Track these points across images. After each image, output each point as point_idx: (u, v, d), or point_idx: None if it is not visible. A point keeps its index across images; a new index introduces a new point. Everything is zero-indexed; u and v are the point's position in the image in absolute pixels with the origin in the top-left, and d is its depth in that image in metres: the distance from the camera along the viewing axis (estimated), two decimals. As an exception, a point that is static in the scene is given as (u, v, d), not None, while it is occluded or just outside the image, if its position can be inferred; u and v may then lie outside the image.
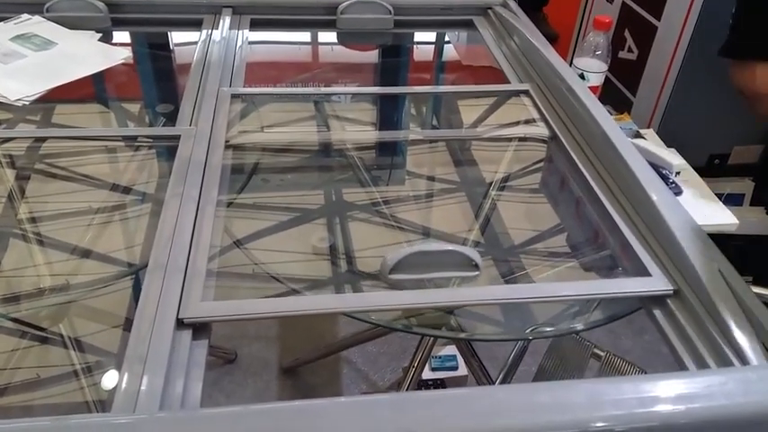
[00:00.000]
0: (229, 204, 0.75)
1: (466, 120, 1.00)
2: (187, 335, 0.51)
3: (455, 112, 1.08)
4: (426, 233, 0.82)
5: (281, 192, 0.86)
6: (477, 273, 0.63)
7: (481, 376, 1.32)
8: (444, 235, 0.81)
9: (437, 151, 0.95)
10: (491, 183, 0.88)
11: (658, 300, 0.58)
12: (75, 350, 0.63)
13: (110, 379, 0.60)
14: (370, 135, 0.98)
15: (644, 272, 0.60)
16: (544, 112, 0.88)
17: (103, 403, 0.59)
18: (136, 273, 0.68)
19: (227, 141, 0.78)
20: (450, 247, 0.64)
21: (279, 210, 0.82)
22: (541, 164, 0.89)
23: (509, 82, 0.98)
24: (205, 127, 0.78)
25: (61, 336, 0.64)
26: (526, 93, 0.92)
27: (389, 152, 0.96)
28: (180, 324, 0.51)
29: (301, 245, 0.77)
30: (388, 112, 1.06)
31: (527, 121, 0.90)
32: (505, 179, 0.88)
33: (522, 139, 0.90)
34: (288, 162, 0.89)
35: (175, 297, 0.53)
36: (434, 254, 0.63)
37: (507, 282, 0.71)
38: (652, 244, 0.63)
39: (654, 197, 0.65)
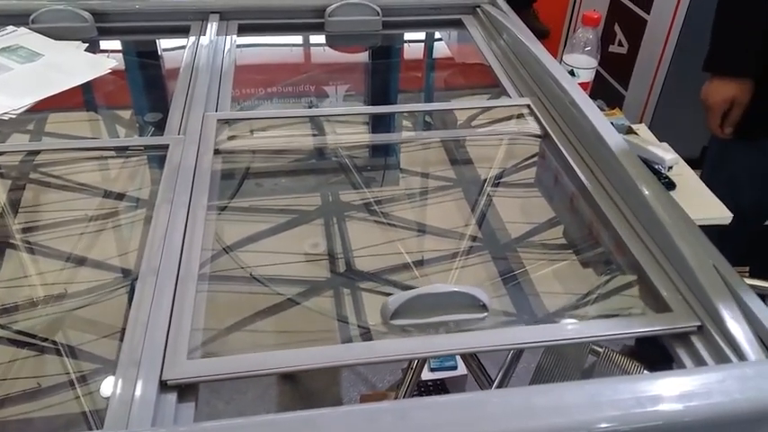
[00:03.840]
0: (220, 210, 0.74)
1: (459, 118, 0.99)
2: (172, 398, 0.47)
3: (447, 111, 1.08)
4: (422, 231, 0.81)
5: (272, 196, 0.85)
6: (485, 314, 0.57)
7: (480, 376, 1.32)
8: (441, 231, 0.81)
9: (430, 149, 0.95)
10: (485, 180, 0.88)
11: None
12: (76, 360, 0.63)
13: (107, 384, 0.59)
14: (363, 136, 0.97)
15: (642, 273, 0.59)
16: (541, 118, 0.87)
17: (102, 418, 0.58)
18: (133, 281, 0.67)
19: (216, 148, 0.77)
20: (455, 288, 0.59)
21: (270, 214, 0.82)
22: (533, 162, 0.89)
23: (500, 82, 0.97)
24: (193, 135, 0.78)
25: (61, 345, 0.63)
26: (527, 107, 0.90)
27: (383, 152, 0.96)
28: (163, 386, 0.47)
29: (294, 251, 0.77)
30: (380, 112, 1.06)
31: (519, 117, 0.90)
32: (499, 176, 0.88)
33: (514, 137, 0.90)
34: (279, 166, 0.89)
35: (159, 352, 0.49)
36: (439, 296, 0.58)
37: (507, 282, 0.71)
38: (645, 239, 0.63)
39: (646, 193, 0.64)
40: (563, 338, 0.53)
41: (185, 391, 0.48)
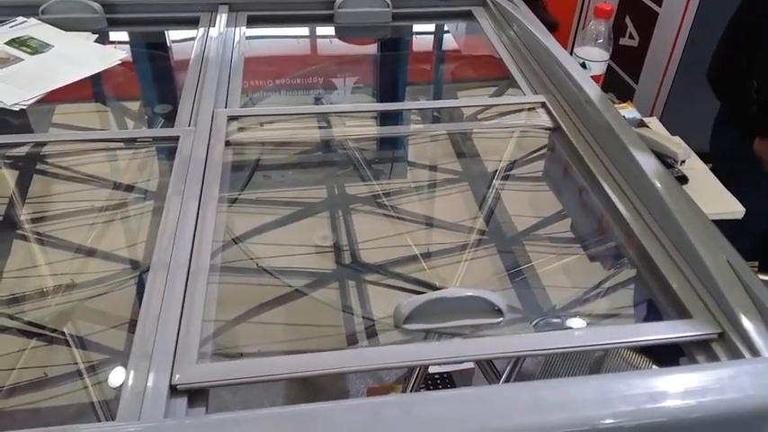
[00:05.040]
0: (231, 202, 0.74)
1: (467, 110, 0.99)
2: (182, 403, 0.46)
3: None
4: (430, 224, 0.81)
5: (282, 188, 0.85)
6: (500, 319, 0.56)
7: (487, 369, 1.32)
8: (450, 224, 0.81)
9: (438, 142, 0.94)
10: (496, 173, 0.87)
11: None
12: (85, 350, 0.63)
13: (117, 380, 0.59)
14: (372, 129, 0.97)
15: (659, 273, 0.58)
16: (555, 114, 0.86)
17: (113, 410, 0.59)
18: (143, 273, 0.67)
19: (226, 139, 0.77)
20: (470, 292, 0.57)
21: (281, 206, 0.82)
22: (544, 155, 0.88)
23: (512, 76, 0.96)
24: (204, 127, 0.78)
25: (71, 336, 0.64)
26: (542, 105, 0.89)
27: (391, 145, 0.96)
28: (174, 391, 0.46)
29: (305, 243, 0.77)
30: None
31: (529, 110, 0.89)
32: (510, 170, 0.87)
33: (525, 130, 0.90)
34: (288, 158, 0.89)
35: (170, 347, 0.49)
36: (453, 300, 0.56)
37: (519, 279, 0.70)
38: (660, 237, 0.62)
39: (660, 187, 0.64)
40: (582, 345, 0.52)
41: (196, 395, 0.47)
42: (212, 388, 0.48)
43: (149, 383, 0.46)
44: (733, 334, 0.51)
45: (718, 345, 0.51)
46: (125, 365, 0.48)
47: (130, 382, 0.47)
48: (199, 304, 0.54)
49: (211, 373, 0.48)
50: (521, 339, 0.55)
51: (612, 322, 0.67)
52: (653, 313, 0.59)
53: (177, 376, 0.47)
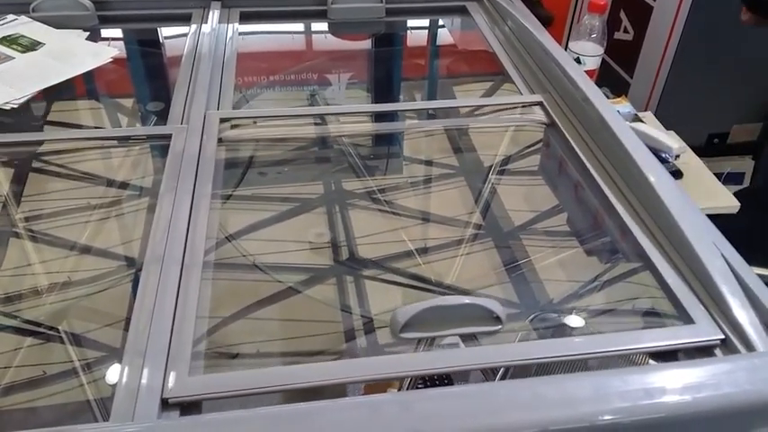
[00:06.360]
0: (224, 198, 0.74)
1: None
2: (174, 416, 0.45)
3: (451, 98, 1.07)
4: (426, 219, 0.81)
5: (276, 185, 0.85)
6: (499, 327, 0.55)
7: (485, 364, 1.31)
8: (446, 219, 0.81)
9: (434, 138, 0.94)
10: (491, 168, 0.87)
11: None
12: (80, 348, 0.62)
13: (108, 385, 0.59)
14: (367, 125, 0.96)
15: (657, 273, 0.58)
16: (550, 111, 0.86)
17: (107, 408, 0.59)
18: (137, 271, 0.67)
19: (219, 137, 0.77)
20: (467, 300, 0.57)
21: (275, 202, 0.81)
22: (540, 150, 0.88)
23: (507, 72, 0.96)
24: (196, 125, 0.77)
25: (65, 334, 0.63)
26: (540, 104, 0.88)
27: (386, 141, 0.95)
28: (165, 405, 0.45)
29: (299, 239, 0.76)
30: (384, 101, 1.05)
31: (524, 106, 0.89)
32: (505, 164, 0.87)
33: (520, 125, 0.89)
34: (282, 155, 0.88)
35: (161, 362, 0.48)
36: (450, 308, 0.55)
37: (515, 276, 0.70)
38: (655, 233, 0.62)
39: (654, 181, 0.64)
40: (582, 353, 0.51)
41: (188, 408, 0.46)
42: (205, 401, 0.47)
43: (140, 397, 0.45)
44: (735, 338, 0.50)
45: (721, 351, 0.50)
46: (116, 373, 0.47)
47: (120, 393, 0.45)
48: (192, 304, 0.53)
49: (204, 385, 0.47)
50: (518, 348, 0.54)
51: (609, 319, 0.67)
52: (649, 310, 0.59)
53: (169, 389, 0.46)
